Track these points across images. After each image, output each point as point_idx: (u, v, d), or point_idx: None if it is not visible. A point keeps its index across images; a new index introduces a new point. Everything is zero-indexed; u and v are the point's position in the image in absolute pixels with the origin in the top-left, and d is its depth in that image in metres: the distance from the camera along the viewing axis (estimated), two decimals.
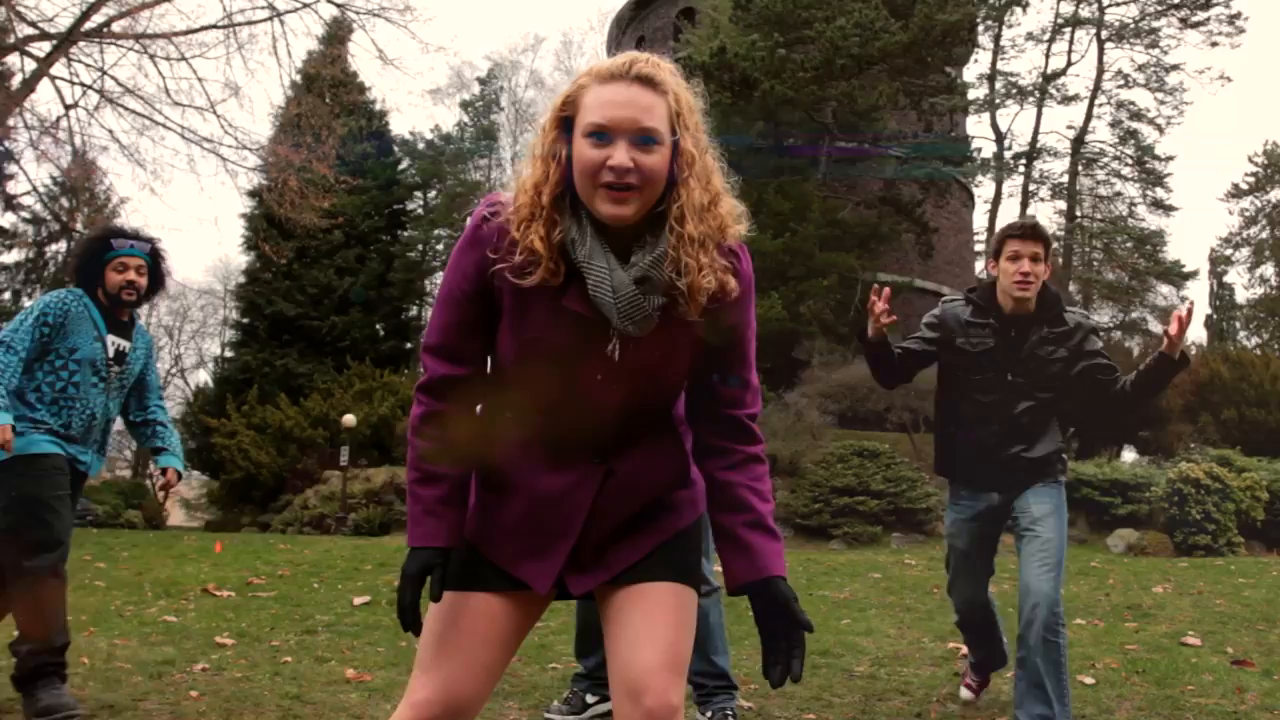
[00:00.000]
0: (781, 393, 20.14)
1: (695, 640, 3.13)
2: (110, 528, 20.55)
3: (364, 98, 31.06)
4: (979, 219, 32.08)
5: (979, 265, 30.64)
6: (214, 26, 19.54)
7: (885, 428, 20.93)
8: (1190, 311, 3.15)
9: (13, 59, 18.90)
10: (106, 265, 3.93)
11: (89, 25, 18.31)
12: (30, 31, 18.01)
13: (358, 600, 7.25)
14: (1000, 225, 4.80)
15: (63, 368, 3.87)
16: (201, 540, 13.92)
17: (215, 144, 19.34)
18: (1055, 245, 26.18)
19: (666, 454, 1.73)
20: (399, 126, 57.23)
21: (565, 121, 1.54)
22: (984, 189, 28.79)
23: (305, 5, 20.20)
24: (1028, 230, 3.51)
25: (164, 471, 4.16)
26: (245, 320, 31.63)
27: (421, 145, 37.55)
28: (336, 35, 24.06)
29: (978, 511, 3.75)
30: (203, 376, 42.11)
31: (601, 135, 1.49)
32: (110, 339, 3.96)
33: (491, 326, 1.63)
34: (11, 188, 29.47)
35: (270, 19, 20.05)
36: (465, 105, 39.79)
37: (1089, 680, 4.55)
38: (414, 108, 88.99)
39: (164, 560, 9.48)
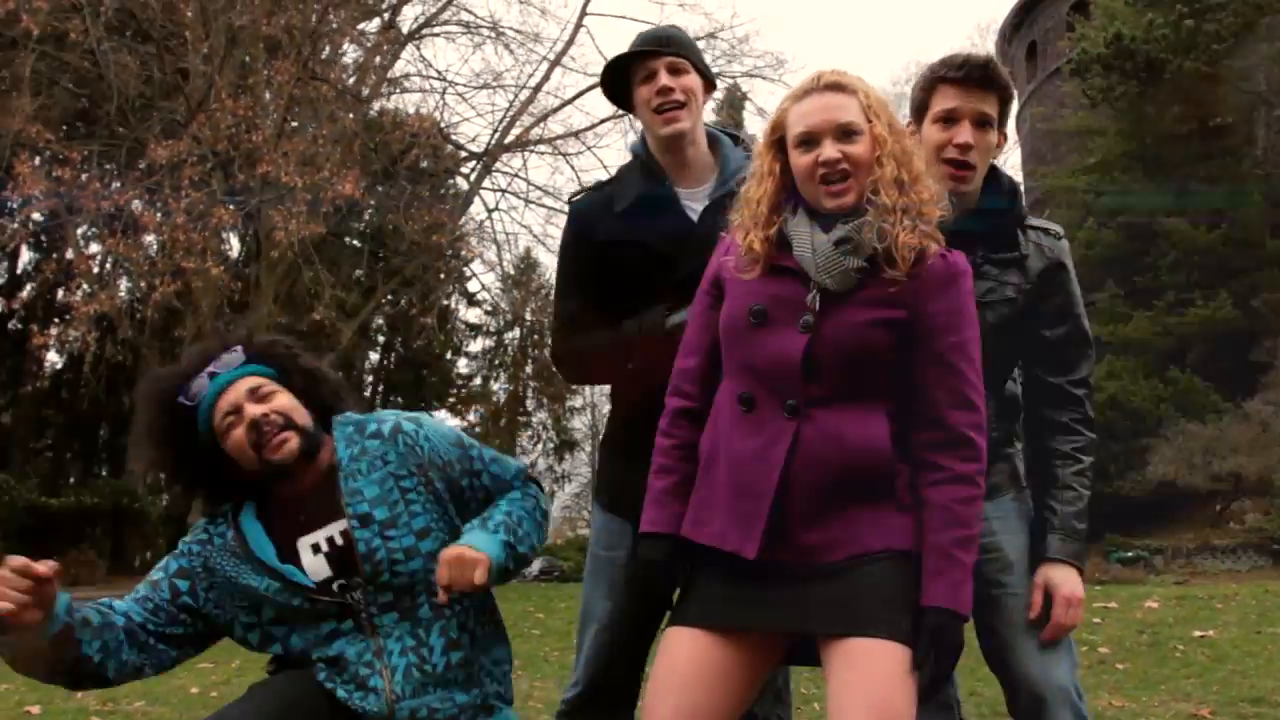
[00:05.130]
0: (1239, 401, 17.81)
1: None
2: (576, 581, 22.59)
3: None
4: None
5: None
6: (610, 119, 21.40)
7: None
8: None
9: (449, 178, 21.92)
10: None
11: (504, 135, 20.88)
12: (463, 155, 20.93)
13: None
14: None
15: None
16: None
17: None
18: None
19: (864, 422, 1.70)
20: None
21: (779, 142, 1.79)
22: None
23: None
24: (974, 71, 2.03)
25: None
26: None
27: None
28: (732, 101, 25.24)
29: None
30: None
31: (809, 141, 1.73)
32: None
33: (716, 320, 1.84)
34: (469, 286, 34.11)
35: None
36: None
37: None
38: None
39: None
